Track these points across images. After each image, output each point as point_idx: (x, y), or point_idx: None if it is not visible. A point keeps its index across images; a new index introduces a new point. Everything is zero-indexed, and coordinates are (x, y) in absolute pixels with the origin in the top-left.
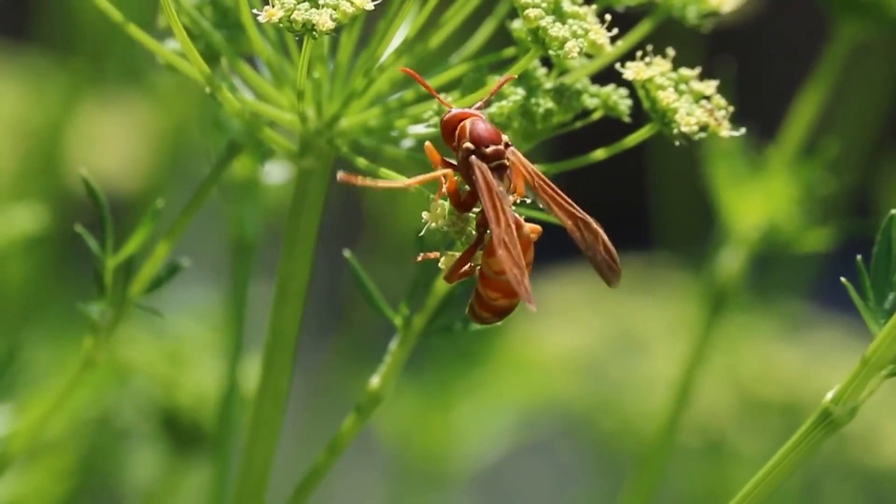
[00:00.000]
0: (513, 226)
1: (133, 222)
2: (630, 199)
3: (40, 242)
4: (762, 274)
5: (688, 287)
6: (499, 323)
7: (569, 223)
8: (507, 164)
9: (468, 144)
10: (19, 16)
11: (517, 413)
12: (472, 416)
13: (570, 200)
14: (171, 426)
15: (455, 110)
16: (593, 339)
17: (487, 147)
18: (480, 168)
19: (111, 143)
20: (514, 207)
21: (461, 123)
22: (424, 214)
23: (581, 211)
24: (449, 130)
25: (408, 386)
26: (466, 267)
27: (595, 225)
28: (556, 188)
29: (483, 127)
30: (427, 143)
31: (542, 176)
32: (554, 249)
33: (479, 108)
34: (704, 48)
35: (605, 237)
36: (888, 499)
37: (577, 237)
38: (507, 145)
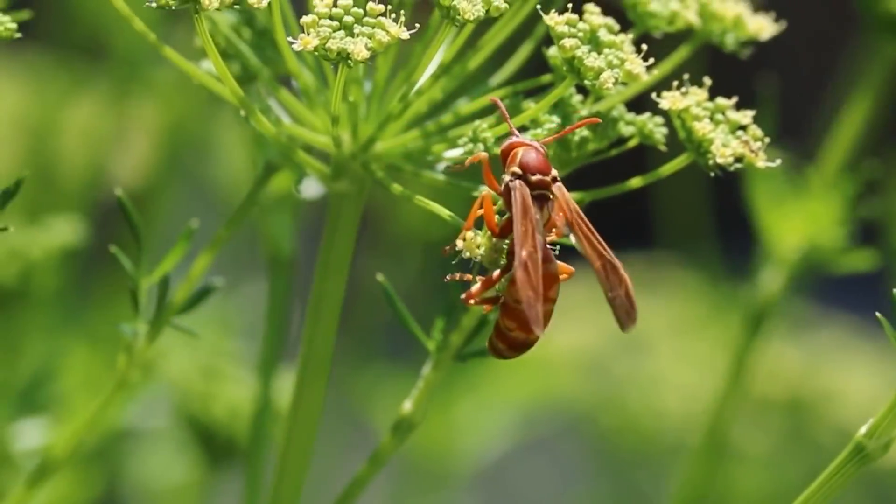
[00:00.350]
0: (539, 253)
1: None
2: (632, 199)
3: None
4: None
5: (691, 286)
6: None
7: (597, 264)
8: (550, 196)
9: (515, 169)
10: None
11: (519, 411)
12: (474, 414)
13: (602, 242)
14: (205, 438)
15: (516, 138)
16: (596, 338)
17: (534, 175)
18: (521, 191)
19: (112, 140)
20: (550, 243)
21: (514, 150)
22: (459, 243)
23: (611, 254)
24: (505, 156)
25: (408, 382)
26: (490, 293)
27: (622, 271)
28: (592, 228)
29: (534, 156)
30: (484, 157)
31: (582, 214)
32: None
33: (551, 140)
34: (738, 66)
35: (630, 284)
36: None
37: (603, 278)
38: (554, 179)
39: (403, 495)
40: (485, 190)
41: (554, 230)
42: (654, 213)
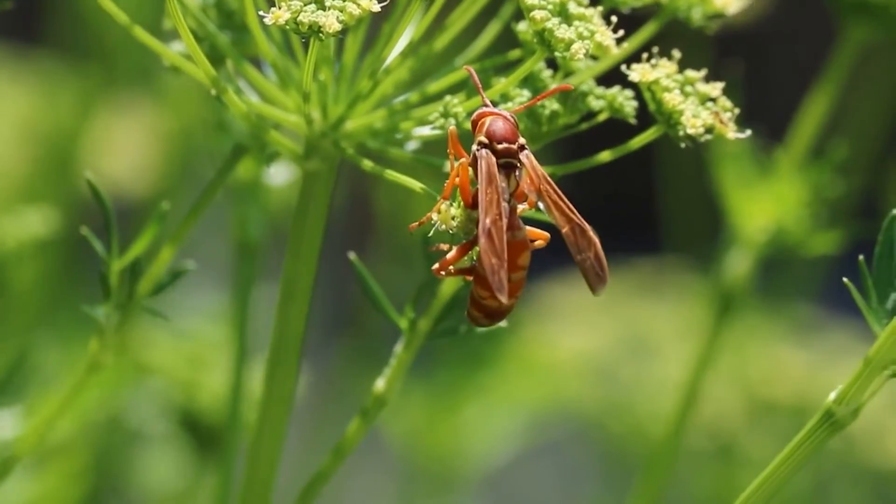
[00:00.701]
0: (504, 220)
1: (143, 225)
2: (639, 203)
3: (51, 245)
4: (769, 277)
5: (697, 290)
6: (499, 325)
7: (566, 228)
8: (517, 164)
9: (482, 138)
10: (29, 19)
11: (526, 415)
12: (481, 419)
13: (571, 207)
14: (191, 427)
15: (485, 108)
16: (603, 342)
17: (500, 143)
18: (487, 160)
19: (121, 146)
20: (519, 211)
21: (482, 120)
22: (433, 215)
23: (580, 218)
24: (474, 127)
25: (417, 388)
26: (464, 264)
27: (591, 233)
28: (560, 193)
29: (501, 125)
30: (452, 129)
31: (550, 181)
32: (564, 253)
33: (523, 108)
34: (712, 50)
35: (599, 246)
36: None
37: (571, 241)
38: (521, 147)
39: (410, 499)
40: (456, 161)
41: (526, 201)
42: (661, 217)
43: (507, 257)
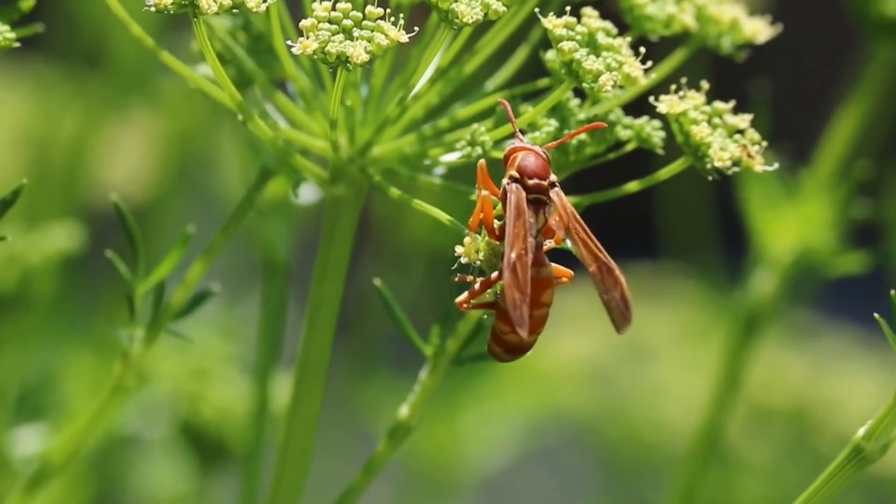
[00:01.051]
0: (530, 256)
1: (143, 232)
2: (636, 209)
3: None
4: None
5: (695, 296)
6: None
7: (593, 267)
8: (546, 201)
9: (513, 172)
10: (26, 24)
11: (523, 421)
12: (478, 424)
13: (599, 245)
14: (195, 440)
15: (518, 143)
16: (600, 348)
17: (531, 179)
18: (517, 195)
19: (119, 152)
20: (545, 248)
21: (515, 154)
22: (458, 248)
23: (607, 257)
24: (506, 161)
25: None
26: (486, 298)
27: (618, 272)
28: (588, 232)
29: (532, 160)
30: (481, 163)
31: (579, 219)
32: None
33: (555, 146)
34: (733, 70)
35: (625, 286)
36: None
37: (598, 280)
38: (552, 184)
39: None
40: (483, 192)
41: (553, 237)
42: (659, 223)
43: (531, 293)
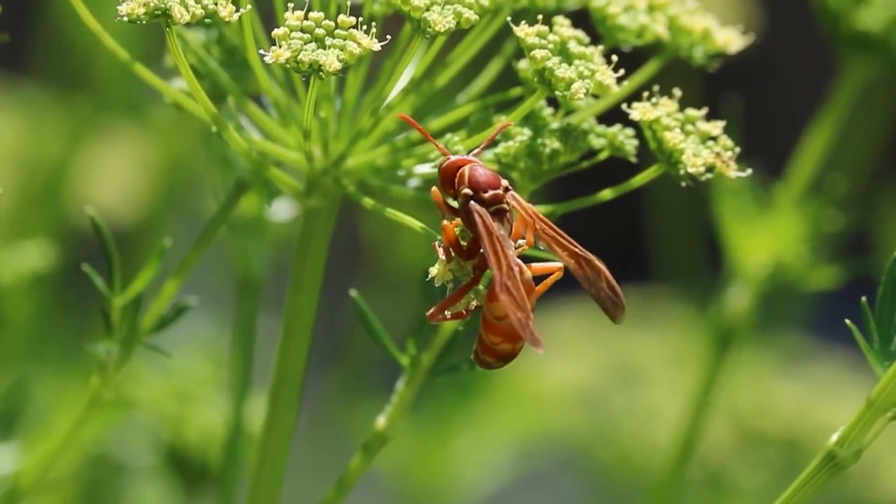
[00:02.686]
0: (515, 269)
1: (132, 254)
2: (628, 232)
3: (42, 277)
4: (760, 307)
5: (686, 319)
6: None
7: (571, 262)
8: (507, 207)
9: (467, 190)
10: (15, 47)
11: (516, 445)
12: (471, 448)
13: (570, 240)
14: (178, 463)
15: (452, 157)
16: (592, 372)
17: (486, 192)
18: (480, 213)
19: (109, 176)
20: (516, 251)
21: (459, 170)
22: (431, 270)
23: (582, 249)
24: (447, 177)
25: (406, 418)
26: (458, 308)
27: (597, 262)
28: (556, 229)
29: (481, 172)
30: (434, 189)
31: (543, 217)
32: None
33: (481, 150)
34: (711, 84)
35: (608, 274)
36: None
37: (580, 275)
38: (506, 189)
39: None
40: (444, 222)
41: (522, 241)
42: (650, 246)
43: None
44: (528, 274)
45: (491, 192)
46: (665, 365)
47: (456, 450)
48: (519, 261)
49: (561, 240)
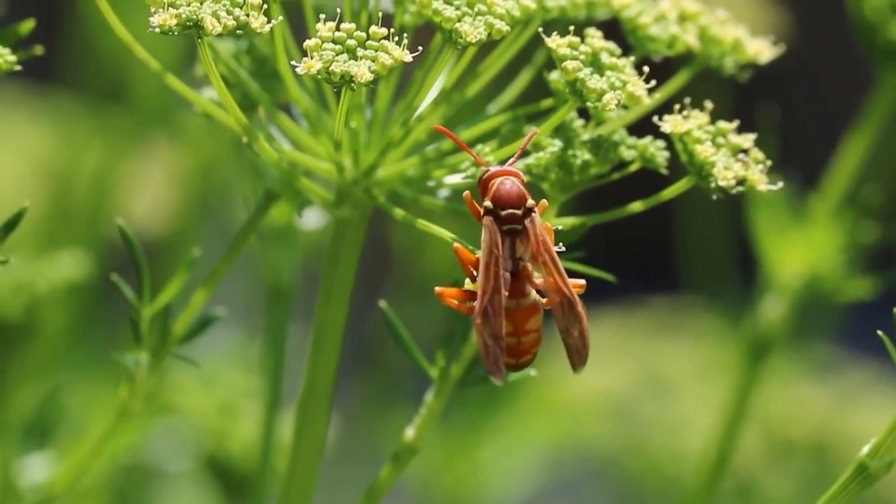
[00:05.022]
0: (503, 295)
1: (162, 264)
2: (657, 243)
3: (76, 287)
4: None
5: (716, 330)
6: (527, 373)
7: (556, 300)
8: (520, 229)
9: (488, 203)
10: (46, 57)
11: (544, 454)
12: (499, 457)
13: (565, 279)
14: (219, 474)
15: (494, 168)
16: (621, 382)
17: (503, 210)
18: (490, 229)
19: (140, 186)
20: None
21: (492, 181)
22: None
23: (572, 292)
24: (482, 187)
25: (437, 427)
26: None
27: (580, 308)
28: (558, 264)
29: (507, 188)
30: (466, 194)
31: (551, 250)
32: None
33: (514, 161)
34: (745, 94)
35: (585, 323)
36: None
37: (558, 315)
38: (528, 211)
39: None
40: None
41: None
42: (679, 256)
43: (516, 323)
44: (533, 296)
45: (508, 211)
46: (695, 376)
47: (484, 458)
48: (526, 286)
49: (556, 275)
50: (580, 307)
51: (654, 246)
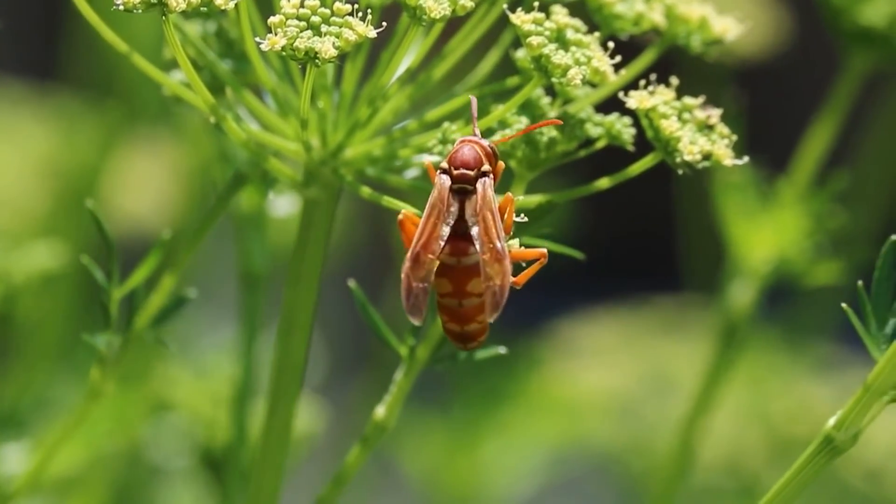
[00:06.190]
0: (438, 244)
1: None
2: (660, 242)
3: (68, 280)
4: (791, 314)
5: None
6: (497, 351)
7: (486, 255)
8: (471, 189)
9: (444, 164)
10: (49, 55)
11: (547, 451)
12: (501, 455)
13: (501, 235)
14: (211, 465)
15: (465, 137)
16: (624, 379)
17: (457, 169)
18: (440, 184)
19: (141, 183)
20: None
21: (458, 145)
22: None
23: (504, 247)
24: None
25: (436, 424)
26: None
27: (507, 263)
28: (498, 223)
29: (466, 151)
30: (428, 163)
31: (494, 210)
32: (587, 291)
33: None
34: (715, 81)
35: (507, 278)
36: None
37: (484, 267)
38: (482, 174)
39: None
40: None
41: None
42: (682, 255)
43: (457, 282)
44: (476, 258)
45: (461, 171)
46: (698, 374)
47: (487, 455)
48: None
49: (493, 231)
50: (507, 262)
51: (656, 245)
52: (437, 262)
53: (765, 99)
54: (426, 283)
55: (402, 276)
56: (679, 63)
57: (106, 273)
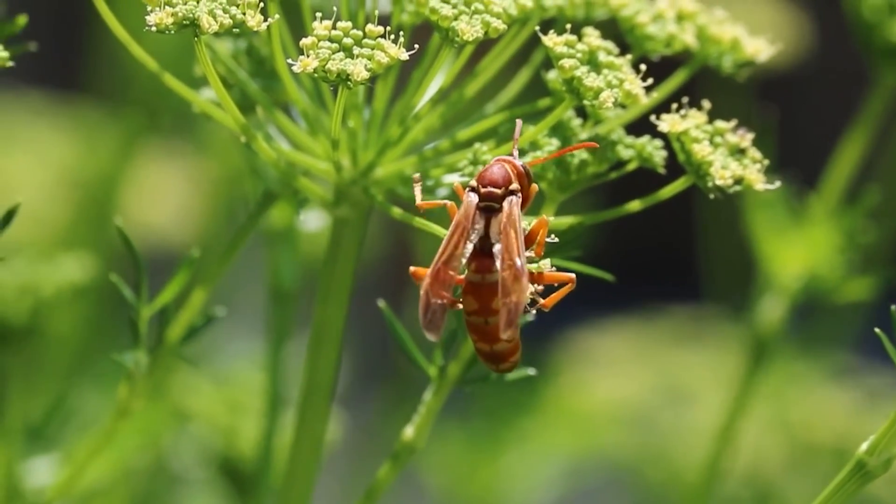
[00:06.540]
0: (459, 262)
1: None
2: (678, 251)
3: (92, 292)
4: (808, 323)
5: (736, 339)
6: (527, 373)
7: (505, 273)
8: (497, 208)
9: (473, 182)
10: (71, 66)
11: (564, 462)
12: (519, 465)
13: (521, 254)
14: (230, 474)
15: (500, 157)
16: (641, 390)
17: (485, 187)
18: (467, 202)
19: (163, 194)
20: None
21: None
22: None
23: (523, 266)
24: None
25: (455, 435)
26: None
27: (524, 282)
28: (520, 241)
29: (495, 170)
30: (456, 185)
31: (518, 229)
32: (603, 301)
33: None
34: (745, 95)
35: (523, 297)
36: None
37: (503, 283)
38: (510, 193)
39: None
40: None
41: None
42: (700, 265)
43: (482, 300)
44: (501, 276)
45: (487, 189)
46: (714, 384)
47: (505, 465)
48: (495, 264)
49: (514, 250)
50: (525, 280)
51: (675, 255)
52: (456, 279)
53: (793, 112)
54: (445, 299)
55: (422, 292)
56: (705, 74)
57: (134, 289)
